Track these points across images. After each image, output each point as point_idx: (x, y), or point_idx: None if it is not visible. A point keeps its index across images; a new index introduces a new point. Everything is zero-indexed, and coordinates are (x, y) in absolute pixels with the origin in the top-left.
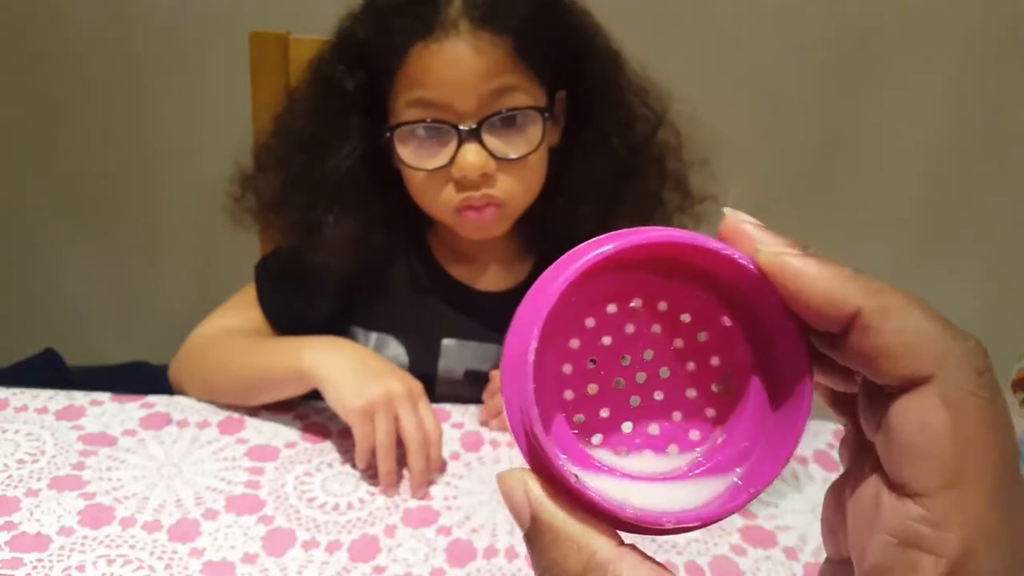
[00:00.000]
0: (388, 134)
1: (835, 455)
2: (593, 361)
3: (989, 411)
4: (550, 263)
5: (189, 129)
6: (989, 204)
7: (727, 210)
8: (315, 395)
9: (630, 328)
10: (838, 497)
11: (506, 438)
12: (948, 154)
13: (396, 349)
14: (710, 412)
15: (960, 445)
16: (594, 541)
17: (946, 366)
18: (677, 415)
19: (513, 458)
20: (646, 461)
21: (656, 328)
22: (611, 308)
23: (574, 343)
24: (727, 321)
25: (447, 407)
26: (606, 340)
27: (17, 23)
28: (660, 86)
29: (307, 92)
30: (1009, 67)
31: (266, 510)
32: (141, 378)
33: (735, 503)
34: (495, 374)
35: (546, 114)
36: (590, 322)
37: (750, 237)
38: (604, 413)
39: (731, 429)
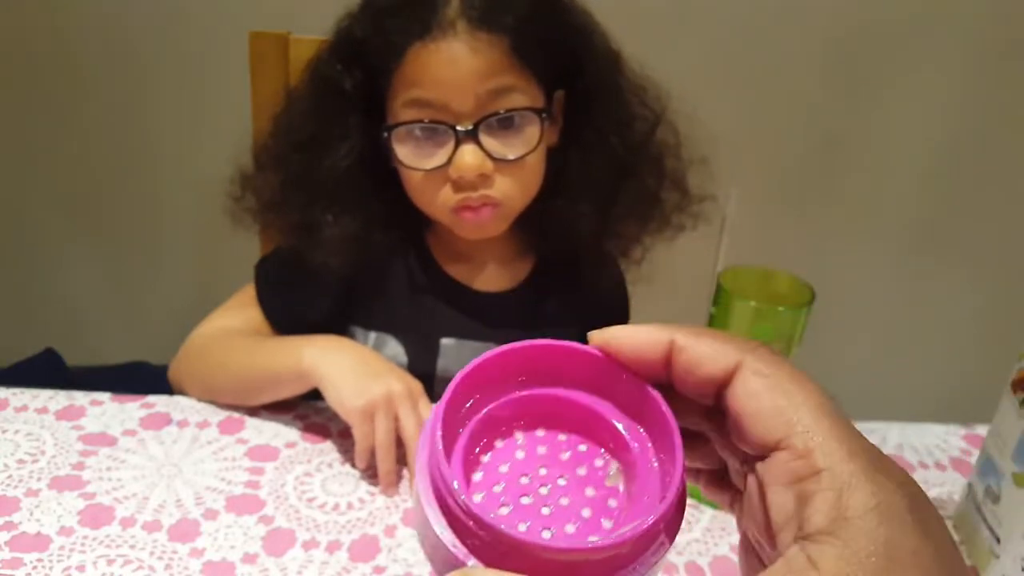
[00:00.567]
0: (385, 134)
1: None
2: (499, 486)
3: (791, 374)
4: (549, 263)
5: (189, 129)
6: (989, 204)
7: (591, 335)
8: (315, 395)
9: (520, 454)
10: (744, 549)
11: None
12: (948, 154)
13: (395, 348)
14: (612, 503)
15: (782, 394)
16: None
17: (747, 355)
18: (586, 511)
19: None
20: None
21: (541, 449)
22: (499, 443)
23: (478, 476)
24: (610, 422)
25: None
26: (503, 468)
27: (17, 24)
28: (659, 85)
29: (305, 92)
30: (1009, 67)
31: (266, 510)
32: (141, 378)
33: (658, 512)
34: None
35: (544, 115)
36: (486, 457)
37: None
38: (523, 527)
39: (635, 502)
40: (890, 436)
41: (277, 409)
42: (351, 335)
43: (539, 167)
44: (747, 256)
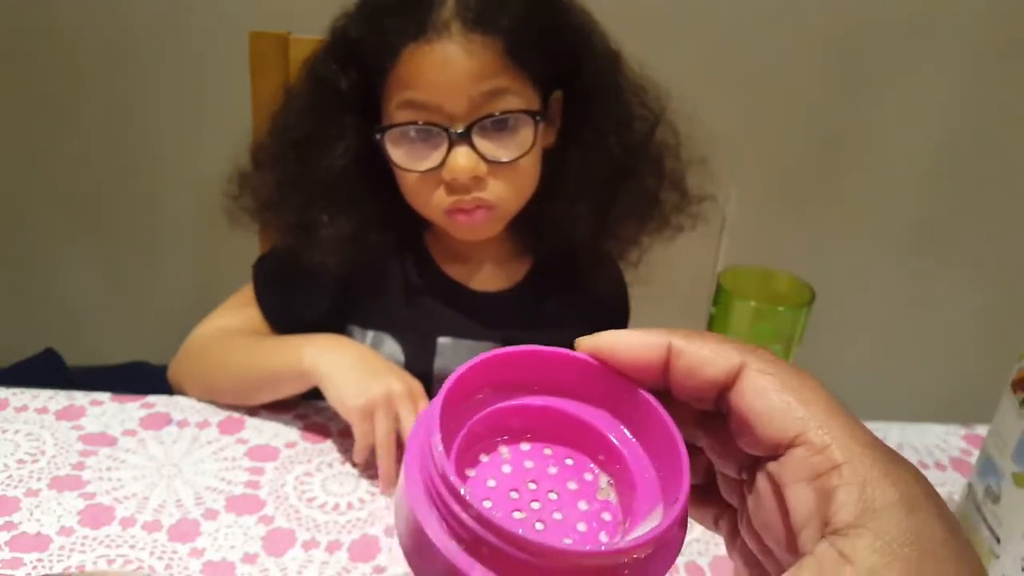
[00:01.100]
0: (379, 135)
1: None
2: (489, 502)
3: (796, 372)
4: (548, 263)
5: (189, 129)
6: (989, 204)
7: (578, 341)
8: (315, 394)
9: (507, 468)
10: (739, 547)
11: None
12: (948, 154)
13: (392, 347)
14: (607, 516)
15: (790, 391)
16: None
17: (748, 356)
18: (582, 525)
19: None
20: None
21: (529, 464)
22: (484, 458)
23: (464, 491)
24: (602, 435)
25: None
26: (491, 483)
27: (17, 24)
28: (659, 85)
29: (302, 91)
30: (1009, 67)
31: (266, 510)
32: (141, 378)
33: (668, 519)
34: None
35: (538, 117)
36: (472, 472)
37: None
38: None
39: (634, 513)
40: (890, 436)
41: (277, 409)
42: (349, 334)
43: (534, 169)
44: (747, 256)
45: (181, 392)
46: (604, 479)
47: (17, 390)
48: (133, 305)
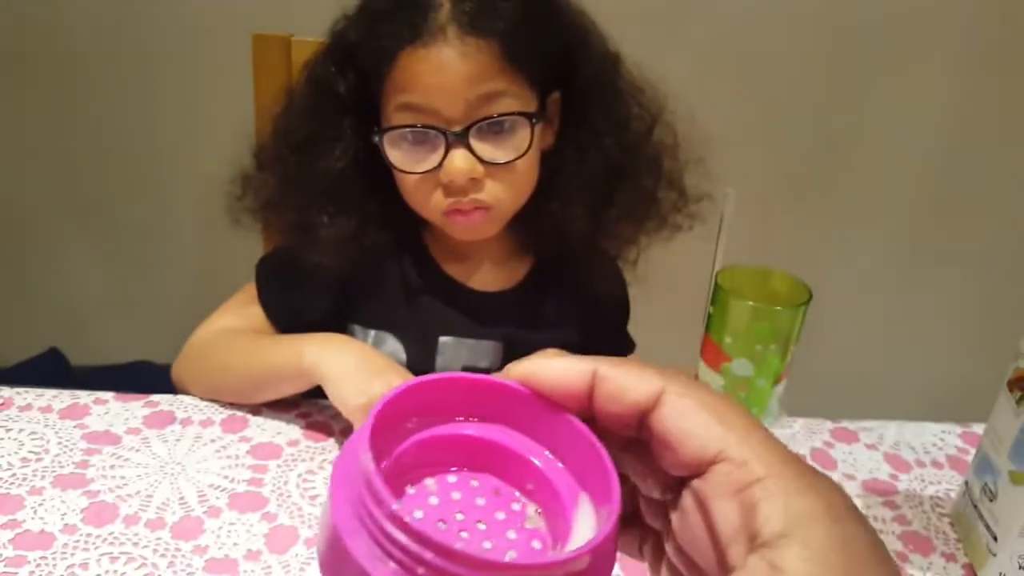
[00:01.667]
0: (378, 138)
1: (832, 453)
2: None
3: (715, 394)
4: (548, 263)
5: (192, 130)
6: (985, 204)
7: (508, 368)
8: (318, 393)
9: (434, 500)
10: (665, 572)
11: None
12: (947, 154)
13: (394, 346)
14: (536, 544)
15: (709, 411)
16: None
17: (668, 380)
18: (511, 554)
19: None
20: None
21: (456, 495)
22: (410, 490)
23: (398, 508)
24: (530, 461)
25: None
26: (418, 514)
27: (20, 24)
28: (656, 86)
29: (302, 93)
30: (1009, 67)
31: (269, 508)
32: (144, 377)
33: (605, 530)
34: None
35: (534, 119)
36: (396, 505)
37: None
38: None
39: (565, 539)
40: (887, 435)
41: (280, 407)
42: (351, 333)
43: (531, 170)
44: (745, 256)
45: (184, 391)
46: (532, 508)
47: (21, 389)
48: (136, 305)
